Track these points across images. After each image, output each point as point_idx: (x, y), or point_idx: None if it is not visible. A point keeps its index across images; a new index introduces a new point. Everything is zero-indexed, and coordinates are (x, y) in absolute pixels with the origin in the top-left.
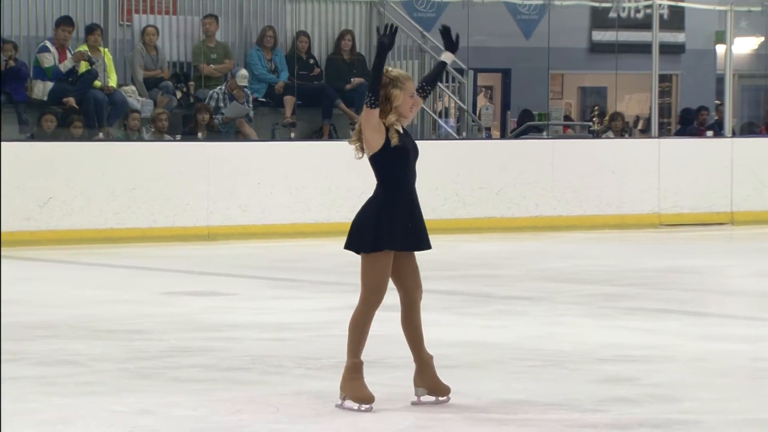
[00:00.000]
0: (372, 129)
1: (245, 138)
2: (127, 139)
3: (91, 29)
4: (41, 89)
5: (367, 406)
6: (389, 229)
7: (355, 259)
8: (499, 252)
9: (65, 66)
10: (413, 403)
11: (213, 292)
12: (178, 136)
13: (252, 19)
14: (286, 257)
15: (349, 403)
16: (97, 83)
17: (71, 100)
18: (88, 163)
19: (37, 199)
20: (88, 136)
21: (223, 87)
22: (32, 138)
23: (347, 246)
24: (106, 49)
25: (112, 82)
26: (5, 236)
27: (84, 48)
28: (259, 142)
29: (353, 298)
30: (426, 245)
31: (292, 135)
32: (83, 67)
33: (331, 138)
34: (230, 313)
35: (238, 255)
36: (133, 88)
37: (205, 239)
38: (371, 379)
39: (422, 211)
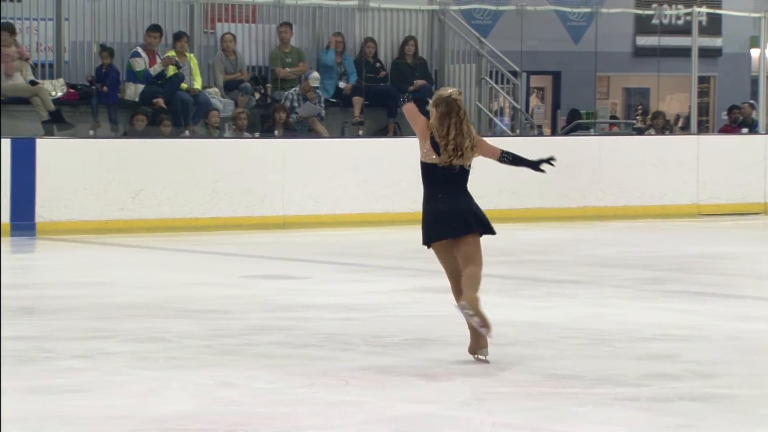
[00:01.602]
0: None
1: (317, 135)
2: (209, 135)
3: (178, 36)
4: (133, 91)
5: (487, 329)
6: None
7: (416, 246)
8: (549, 239)
9: (155, 70)
10: (480, 360)
11: (288, 276)
12: (257, 134)
13: (324, 26)
14: (354, 244)
15: (467, 316)
16: (184, 85)
17: (160, 101)
18: (175, 158)
19: (129, 191)
20: (176, 134)
21: (297, 88)
22: (125, 135)
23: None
24: (191, 54)
25: (197, 84)
26: (100, 225)
27: (172, 53)
28: (330, 139)
29: (416, 282)
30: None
31: (360, 132)
32: (171, 70)
33: (395, 135)
34: (304, 295)
35: (311, 242)
36: (216, 89)
37: (281, 228)
38: (432, 356)
39: (479, 202)
